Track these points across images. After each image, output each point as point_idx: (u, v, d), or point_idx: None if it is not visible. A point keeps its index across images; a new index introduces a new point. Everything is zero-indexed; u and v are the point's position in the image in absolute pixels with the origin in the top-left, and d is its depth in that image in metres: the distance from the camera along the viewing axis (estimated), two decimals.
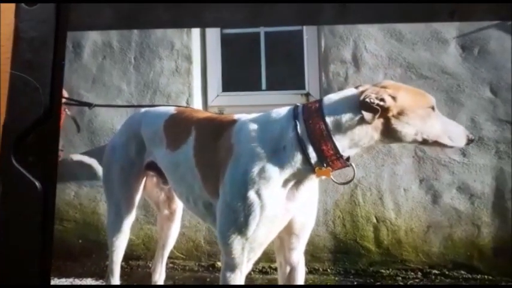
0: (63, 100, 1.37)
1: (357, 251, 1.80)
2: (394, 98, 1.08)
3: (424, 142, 1.11)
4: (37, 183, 1.02)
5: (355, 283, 1.74)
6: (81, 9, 1.15)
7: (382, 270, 1.77)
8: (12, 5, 1.11)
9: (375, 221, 1.80)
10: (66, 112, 1.80)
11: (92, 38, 1.92)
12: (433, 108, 1.11)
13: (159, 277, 1.58)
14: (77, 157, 1.85)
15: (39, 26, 1.08)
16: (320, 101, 1.12)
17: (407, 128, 1.08)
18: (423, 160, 1.79)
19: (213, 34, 1.90)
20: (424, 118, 1.09)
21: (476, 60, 1.74)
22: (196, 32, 1.91)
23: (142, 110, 1.52)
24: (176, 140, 1.31)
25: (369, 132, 1.08)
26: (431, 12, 1.18)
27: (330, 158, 1.07)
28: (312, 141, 1.08)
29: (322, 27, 1.78)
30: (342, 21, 1.32)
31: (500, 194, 1.73)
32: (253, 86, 1.89)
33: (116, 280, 1.47)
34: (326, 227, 1.81)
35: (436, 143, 1.12)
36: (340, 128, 1.08)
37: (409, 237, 1.77)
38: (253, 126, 1.14)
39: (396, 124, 1.08)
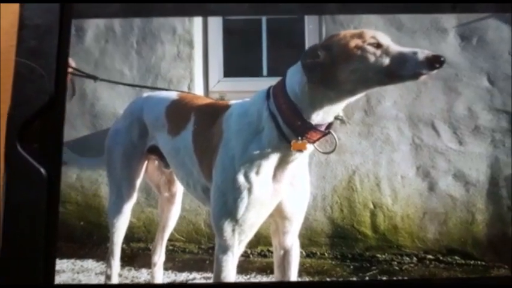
0: (70, 70, 1.37)
1: (353, 236, 1.82)
2: (328, 48, 1.04)
3: (383, 82, 1.05)
4: (42, 170, 1.03)
5: (352, 267, 1.77)
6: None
7: (378, 255, 1.80)
8: None
9: (372, 206, 1.82)
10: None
11: (95, 22, 1.92)
12: (377, 45, 1.03)
13: (159, 259, 1.61)
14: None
15: (43, 13, 1.09)
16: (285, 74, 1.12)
17: (355, 74, 1.03)
18: (420, 148, 1.80)
19: (215, 20, 1.90)
20: (366, 57, 1.02)
21: (475, 49, 1.75)
22: (198, 17, 1.91)
23: (145, 95, 1.54)
24: (177, 125, 1.33)
25: (323, 92, 1.05)
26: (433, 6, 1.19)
27: (301, 129, 1.07)
28: (281, 116, 1.08)
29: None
30: (344, 12, 1.33)
31: (494, 182, 1.75)
32: (254, 71, 1.90)
33: (116, 261, 1.50)
34: (324, 212, 1.84)
35: (395, 77, 1.03)
36: (297, 96, 1.07)
37: (405, 223, 1.80)
38: (239, 111, 1.17)
39: (340, 73, 1.03)
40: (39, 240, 1.01)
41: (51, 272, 1.02)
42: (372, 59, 1.02)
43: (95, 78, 1.66)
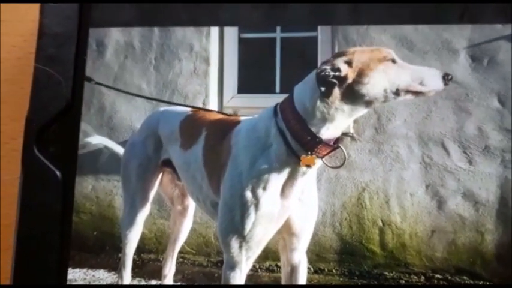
0: None
1: (362, 253, 1.81)
2: (349, 63, 1.08)
3: (397, 94, 1.08)
4: (57, 173, 1.08)
5: (359, 284, 1.76)
6: (103, 7, 1.20)
7: (386, 273, 1.78)
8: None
9: (380, 224, 1.82)
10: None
11: (115, 38, 1.97)
12: (393, 60, 1.09)
13: (169, 271, 1.63)
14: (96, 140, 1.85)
15: (62, 22, 1.13)
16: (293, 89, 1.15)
17: (373, 88, 1.07)
18: (430, 166, 1.80)
19: (231, 37, 1.94)
20: (386, 72, 1.07)
21: (486, 70, 1.75)
22: (215, 35, 1.95)
23: (161, 109, 1.57)
24: (189, 140, 1.36)
25: (337, 105, 1.08)
26: (441, 14, 1.20)
27: (310, 144, 1.09)
28: (289, 131, 1.10)
29: (336, 34, 1.81)
30: (352, 22, 1.35)
31: (504, 202, 1.74)
32: (267, 88, 1.92)
33: (127, 272, 1.53)
34: (333, 228, 1.84)
35: (410, 93, 1.08)
36: (308, 111, 1.09)
37: (413, 241, 1.79)
38: (247, 127, 1.19)
39: (360, 88, 1.07)
40: (54, 238, 1.05)
41: (64, 272, 1.05)
42: (392, 73, 1.07)
43: (89, 80, 1.69)
